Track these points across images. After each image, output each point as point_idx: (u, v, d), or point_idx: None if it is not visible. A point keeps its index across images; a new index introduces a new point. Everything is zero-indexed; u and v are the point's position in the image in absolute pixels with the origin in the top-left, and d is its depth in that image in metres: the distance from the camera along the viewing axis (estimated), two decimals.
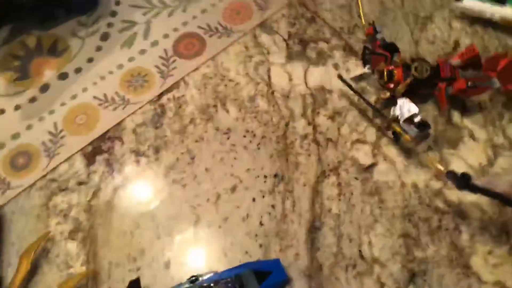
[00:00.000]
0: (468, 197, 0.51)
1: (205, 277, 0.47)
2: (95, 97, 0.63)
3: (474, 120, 0.58)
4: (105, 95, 0.63)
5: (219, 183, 0.56)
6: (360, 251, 0.51)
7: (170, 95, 0.63)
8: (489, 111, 0.59)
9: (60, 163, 0.59)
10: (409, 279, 0.49)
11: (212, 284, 0.46)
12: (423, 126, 0.55)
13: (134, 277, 0.50)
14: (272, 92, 0.62)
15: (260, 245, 0.52)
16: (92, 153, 0.60)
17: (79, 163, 0.59)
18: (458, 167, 0.55)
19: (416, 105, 0.55)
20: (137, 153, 0.59)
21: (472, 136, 0.57)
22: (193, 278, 0.47)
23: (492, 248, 0.50)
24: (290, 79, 0.63)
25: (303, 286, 0.49)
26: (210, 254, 0.52)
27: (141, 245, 0.53)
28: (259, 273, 0.46)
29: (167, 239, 0.53)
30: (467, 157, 0.56)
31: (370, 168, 0.56)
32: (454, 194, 0.53)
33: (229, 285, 0.45)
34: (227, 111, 0.61)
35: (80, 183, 0.58)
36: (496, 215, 0.52)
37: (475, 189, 0.46)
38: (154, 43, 0.66)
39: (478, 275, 0.49)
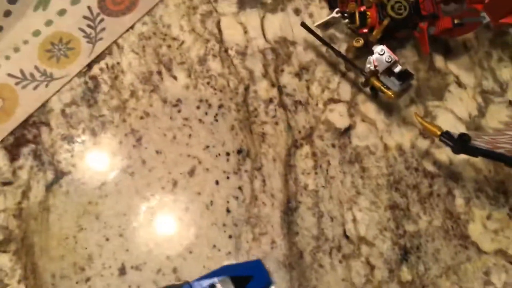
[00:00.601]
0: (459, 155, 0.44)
1: None
2: (9, 75, 0.51)
3: (460, 63, 0.51)
4: (21, 71, 0.51)
5: (174, 167, 0.48)
6: (344, 230, 0.45)
7: (102, 63, 0.52)
8: (475, 51, 0.51)
9: None
10: (401, 257, 0.43)
11: None
12: (405, 76, 0.47)
13: None
14: (226, 50, 0.52)
15: (230, 236, 0.45)
16: (15, 145, 0.49)
17: (1, 159, 0.49)
18: (446, 121, 0.48)
19: (394, 51, 0.47)
20: (70, 140, 0.49)
21: (458, 83, 0.50)
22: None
23: (490, 211, 0.44)
24: (245, 32, 0.53)
25: (283, 277, 0.43)
26: (172, 252, 0.44)
27: (87, 251, 0.45)
28: (238, 279, 0.39)
29: (119, 240, 0.45)
30: (455, 108, 0.49)
31: (347, 131, 0.48)
32: (443, 153, 0.47)
33: None
34: (175, 78, 0.51)
35: (5, 184, 0.47)
36: (492, 173, 0.46)
37: (475, 152, 0.39)
38: (75, 1, 0.54)
39: (477, 245, 0.43)
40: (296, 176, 0.47)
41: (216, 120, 0.49)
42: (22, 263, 0.45)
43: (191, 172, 0.47)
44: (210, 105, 0.50)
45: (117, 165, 0.48)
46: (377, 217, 0.45)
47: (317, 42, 0.50)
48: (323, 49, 0.51)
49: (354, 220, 0.45)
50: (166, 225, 0.46)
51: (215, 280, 0.39)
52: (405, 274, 0.43)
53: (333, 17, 0.51)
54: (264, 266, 0.42)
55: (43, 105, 0.50)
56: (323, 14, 0.53)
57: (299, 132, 0.48)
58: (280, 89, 0.50)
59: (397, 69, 0.47)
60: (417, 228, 0.44)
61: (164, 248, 0.45)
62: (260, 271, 0.41)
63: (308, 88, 0.50)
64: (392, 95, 0.45)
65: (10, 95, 0.51)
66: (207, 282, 0.39)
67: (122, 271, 0.44)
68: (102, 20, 0.53)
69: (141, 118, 0.50)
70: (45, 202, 0.47)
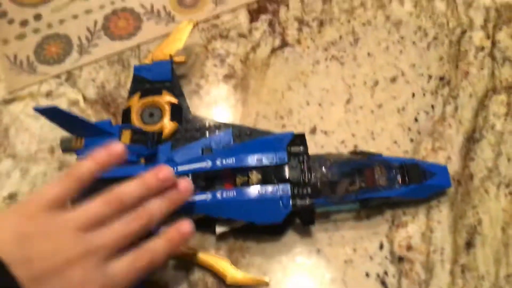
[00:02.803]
0: None
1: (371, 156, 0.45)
2: None
3: None
4: None
5: (380, 70, 0.54)
6: None
7: None
8: None
9: (225, 12, 0.59)
10: None
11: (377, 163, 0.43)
12: None
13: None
14: None
15: (411, 140, 0.50)
16: (257, 10, 0.59)
17: (243, 16, 0.59)
18: None
19: None
20: (301, 22, 0.58)
21: None
22: (358, 151, 0.46)
23: None
24: None
25: (450, 188, 0.47)
26: (357, 132, 0.51)
27: (289, 106, 0.53)
28: (423, 171, 0.44)
29: (316, 107, 0.52)
30: None
31: None
32: None
33: (393, 170, 0.43)
34: (402, 4, 0.58)
35: (241, 36, 0.57)
36: None
37: None
38: None
39: None
40: (487, 115, 0.51)
41: (428, 48, 0.55)
42: (236, 96, 0.54)
43: (393, 79, 0.53)
44: (426, 34, 0.56)
45: (333, 53, 0.55)
46: None
47: None
48: None
49: None
50: (358, 111, 0.52)
51: (404, 161, 0.44)
52: None
53: None
54: (448, 171, 0.46)
55: None
56: None
57: (501, 82, 0.52)
58: (494, 43, 0.55)
59: None
60: None
61: (351, 126, 0.51)
62: (444, 174, 0.45)
63: None
64: None
65: None
66: (396, 162, 0.44)
67: (313, 131, 0.51)
68: None
69: (363, 24, 0.57)
70: (267, 60, 0.56)
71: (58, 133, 0.53)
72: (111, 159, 0.36)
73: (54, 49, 0.59)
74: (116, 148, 0.36)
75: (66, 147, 0.45)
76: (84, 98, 0.55)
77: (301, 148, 0.43)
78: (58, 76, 0.57)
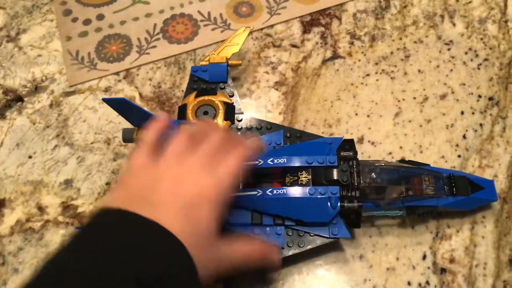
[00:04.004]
0: None
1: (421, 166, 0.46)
2: None
3: None
4: None
5: (430, 87, 0.55)
6: None
7: None
8: None
9: (279, 22, 0.61)
10: None
11: (425, 173, 0.44)
12: None
13: None
14: (506, 21, 0.59)
15: (459, 156, 0.50)
16: (309, 23, 0.61)
17: (296, 28, 0.61)
18: None
19: None
20: (353, 36, 0.59)
21: None
22: (407, 160, 0.47)
23: None
24: None
25: (495, 205, 0.47)
26: (405, 145, 0.51)
27: (338, 116, 0.54)
28: (470, 184, 0.44)
29: (365, 118, 0.53)
30: None
31: None
32: None
33: (441, 181, 0.44)
34: (453, 25, 0.59)
35: (293, 46, 0.59)
36: None
37: None
38: None
39: None
40: None
41: (479, 68, 0.56)
42: (286, 102, 0.55)
43: (443, 96, 0.54)
44: (477, 55, 0.56)
45: (383, 67, 0.57)
46: None
47: None
48: None
49: None
50: (407, 124, 0.53)
51: (452, 173, 0.45)
52: None
53: None
54: (494, 186, 0.46)
55: (341, 4, 0.62)
56: None
57: None
58: None
59: None
60: None
61: (400, 140, 0.52)
62: (491, 188, 0.45)
63: None
64: None
65: None
66: (445, 173, 0.45)
67: (360, 140, 0.52)
68: None
69: (415, 42, 0.58)
70: (318, 70, 0.57)
71: (114, 126, 0.55)
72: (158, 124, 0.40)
73: (115, 48, 0.62)
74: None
75: (127, 137, 0.47)
76: (140, 95, 0.58)
77: (351, 152, 0.44)
78: (117, 73, 0.60)
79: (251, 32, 0.58)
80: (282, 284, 0.44)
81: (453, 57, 0.57)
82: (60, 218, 0.52)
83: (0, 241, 0.51)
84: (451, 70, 0.56)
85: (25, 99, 0.58)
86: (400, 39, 0.58)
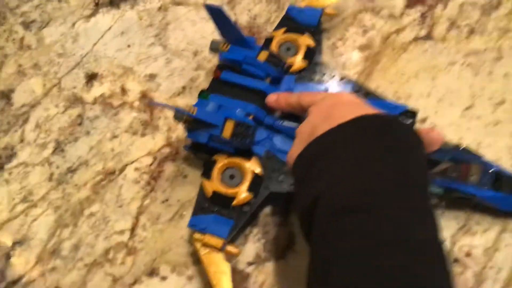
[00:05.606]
0: None
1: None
2: None
3: None
4: None
5: (510, 92, 0.54)
6: None
7: None
8: None
9: None
10: None
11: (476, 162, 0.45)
12: None
13: None
14: None
15: None
16: (415, 0, 0.61)
17: (400, 0, 0.61)
18: None
19: None
20: (453, 23, 0.59)
21: None
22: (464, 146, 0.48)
23: None
24: None
25: None
26: (465, 138, 0.52)
27: (410, 92, 0.55)
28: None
29: (435, 102, 0.54)
30: None
31: None
32: None
33: (488, 173, 0.44)
34: None
35: (391, 16, 0.60)
36: None
37: None
38: None
39: None
40: None
41: None
42: (365, 65, 0.57)
43: None
44: None
45: (469, 61, 0.56)
46: None
47: None
48: None
49: None
50: (470, 118, 0.53)
51: (501, 170, 0.45)
52: None
53: None
54: None
55: None
56: None
57: None
58: None
59: None
60: None
61: (461, 131, 0.52)
62: None
63: None
64: None
65: None
66: (495, 168, 0.45)
67: (423, 120, 0.53)
68: None
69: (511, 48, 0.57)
70: (407, 45, 0.58)
71: (205, 42, 0.61)
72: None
73: None
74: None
75: (214, 47, 0.52)
76: (235, 22, 0.62)
77: (410, 121, 0.46)
78: None
79: None
80: None
81: None
82: (136, 104, 0.59)
83: (83, 106, 0.59)
84: None
85: None
86: (498, 40, 0.57)
